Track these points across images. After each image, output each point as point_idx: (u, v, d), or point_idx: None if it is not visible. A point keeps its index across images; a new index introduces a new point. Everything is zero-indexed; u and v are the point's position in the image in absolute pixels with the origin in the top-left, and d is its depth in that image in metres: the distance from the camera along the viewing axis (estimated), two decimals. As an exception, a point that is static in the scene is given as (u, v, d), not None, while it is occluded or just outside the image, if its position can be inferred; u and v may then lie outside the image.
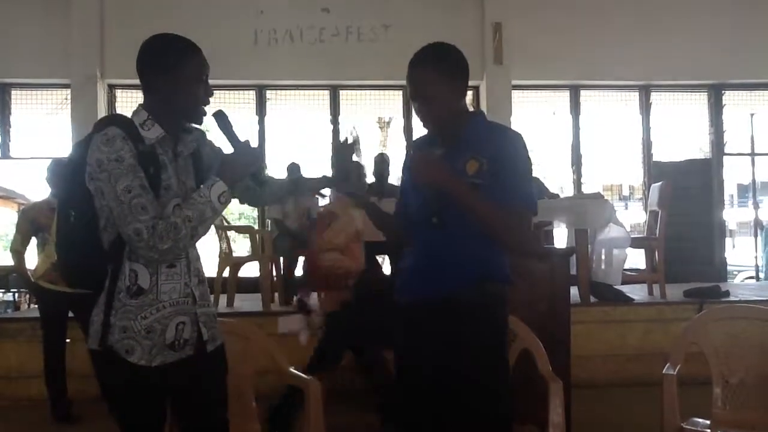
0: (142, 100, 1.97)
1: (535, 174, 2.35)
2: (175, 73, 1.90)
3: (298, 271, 6.58)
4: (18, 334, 5.29)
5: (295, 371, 2.87)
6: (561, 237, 6.22)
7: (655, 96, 8.66)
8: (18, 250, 4.78)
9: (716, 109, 8.68)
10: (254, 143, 2.01)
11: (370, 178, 6.77)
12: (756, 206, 10.38)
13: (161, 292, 1.91)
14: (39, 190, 5.12)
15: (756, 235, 10.04)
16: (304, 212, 6.61)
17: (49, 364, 4.64)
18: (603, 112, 8.76)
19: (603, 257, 5.79)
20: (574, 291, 5.02)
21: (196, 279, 2.01)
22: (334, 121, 8.36)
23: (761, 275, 10.06)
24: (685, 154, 8.91)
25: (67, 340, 4.73)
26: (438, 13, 7.79)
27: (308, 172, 5.96)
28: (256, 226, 8.23)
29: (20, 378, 5.18)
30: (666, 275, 5.98)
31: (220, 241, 6.18)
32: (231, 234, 6.58)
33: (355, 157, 2.57)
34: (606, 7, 8.15)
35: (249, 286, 6.37)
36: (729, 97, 8.71)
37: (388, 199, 5.74)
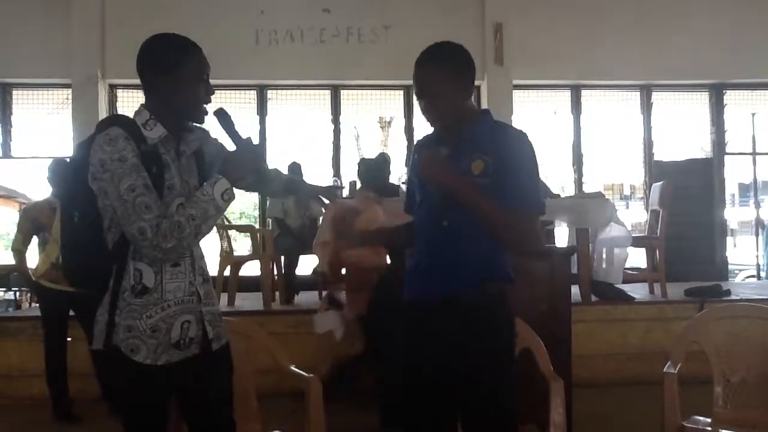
0: (144, 100, 1.98)
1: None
2: (175, 72, 1.90)
3: (299, 270, 6.60)
4: (19, 333, 5.29)
5: (296, 370, 2.87)
6: (562, 236, 6.23)
7: (656, 95, 8.66)
8: (19, 249, 4.78)
9: (717, 108, 8.68)
10: (256, 140, 2.01)
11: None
12: (757, 205, 10.37)
13: (166, 291, 1.92)
14: (40, 189, 5.13)
15: (757, 234, 10.03)
16: (305, 211, 6.62)
17: (50, 363, 4.64)
18: (604, 112, 8.76)
19: (604, 256, 5.79)
20: (575, 290, 5.01)
21: (200, 278, 2.01)
22: (335, 121, 8.36)
23: (762, 274, 10.04)
24: (686, 153, 8.91)
25: (68, 339, 4.73)
26: (438, 14, 7.78)
27: (309, 171, 5.97)
28: (256, 225, 8.24)
29: (21, 377, 5.19)
30: (667, 274, 5.98)
31: (221, 240, 6.18)
32: (232, 233, 6.58)
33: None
34: (607, 7, 8.15)
35: (250, 285, 6.38)
36: (730, 97, 8.71)
37: (389, 199, 5.76)
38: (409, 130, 8.38)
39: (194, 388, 2.02)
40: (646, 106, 8.65)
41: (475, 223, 2.04)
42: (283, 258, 6.43)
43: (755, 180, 9.95)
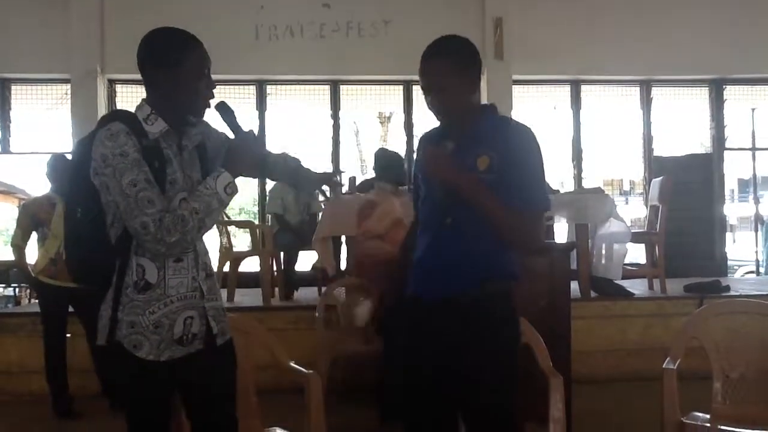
0: (145, 94, 1.97)
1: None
2: (176, 67, 1.90)
3: (299, 266, 6.60)
4: (18, 329, 5.29)
5: (295, 366, 2.87)
6: (561, 232, 6.22)
7: (655, 91, 8.65)
8: (18, 245, 4.78)
9: (717, 103, 8.67)
10: (257, 132, 2.01)
11: (370, 174, 6.77)
12: (756, 201, 10.37)
13: (169, 286, 1.92)
14: (39, 185, 5.12)
15: (756, 230, 10.04)
16: (305, 207, 6.62)
17: (49, 360, 4.64)
18: (604, 107, 8.75)
19: (603, 252, 5.79)
20: (574, 286, 5.02)
21: (203, 273, 2.01)
22: (335, 116, 8.35)
23: (761, 270, 10.06)
24: (685, 148, 8.89)
25: (68, 336, 4.73)
26: (438, 8, 7.77)
27: (308, 166, 5.93)
28: (256, 221, 8.24)
29: (21, 373, 5.19)
30: (666, 270, 5.98)
31: (220, 236, 6.18)
32: (231, 229, 6.58)
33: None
34: (606, 2, 8.13)
35: (249, 281, 6.38)
36: (730, 92, 8.70)
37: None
38: (408, 126, 8.37)
39: (197, 384, 2.02)
40: (646, 102, 8.64)
41: (479, 220, 2.03)
42: (282, 254, 6.43)
43: (755, 175, 9.94)
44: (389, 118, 11.20)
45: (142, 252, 1.88)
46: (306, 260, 6.79)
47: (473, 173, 2.04)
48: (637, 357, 5.25)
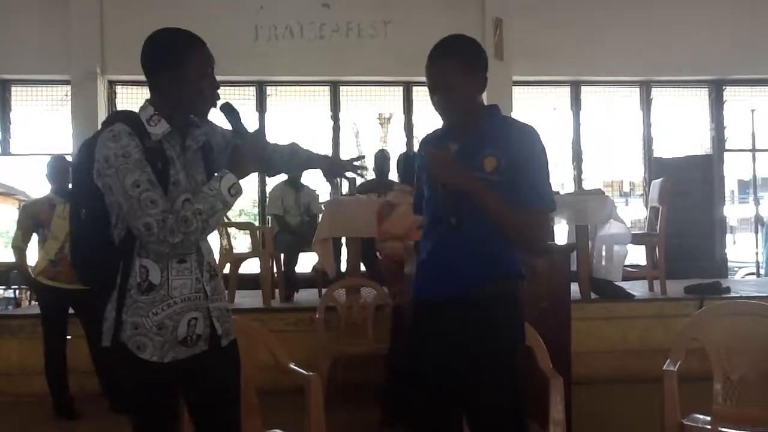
0: (149, 95, 1.97)
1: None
2: (179, 68, 1.90)
3: (299, 268, 6.60)
4: (19, 331, 5.30)
5: (296, 367, 2.87)
6: (561, 233, 6.22)
7: (655, 92, 8.64)
8: (19, 246, 4.78)
9: (717, 104, 8.67)
10: (262, 133, 2.01)
11: (370, 174, 6.77)
12: (756, 202, 10.36)
13: (172, 288, 1.91)
14: (39, 186, 5.12)
15: (756, 232, 10.03)
16: (305, 208, 6.62)
17: (49, 361, 4.65)
18: (603, 108, 8.74)
19: (603, 253, 5.79)
20: (574, 287, 5.02)
21: (208, 274, 2.00)
22: (335, 117, 8.35)
23: (762, 271, 10.05)
24: (685, 150, 8.89)
25: (68, 337, 4.73)
26: (438, 9, 7.77)
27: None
28: (256, 223, 8.24)
29: (21, 374, 5.19)
30: (666, 271, 5.98)
31: (220, 237, 6.18)
32: (231, 230, 6.58)
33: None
34: (606, 3, 8.13)
35: (249, 282, 6.38)
36: (730, 93, 8.70)
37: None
38: (408, 127, 8.37)
39: (201, 385, 2.02)
40: (646, 103, 8.63)
41: (484, 220, 2.03)
42: (282, 255, 6.43)
43: (755, 177, 9.94)
44: (389, 119, 11.18)
45: (145, 253, 1.88)
46: (306, 262, 6.79)
47: (479, 174, 2.03)
48: (637, 358, 5.25)
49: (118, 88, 8.06)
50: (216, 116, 2.06)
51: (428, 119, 8.24)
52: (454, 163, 2.05)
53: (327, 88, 8.35)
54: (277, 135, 8.22)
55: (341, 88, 8.35)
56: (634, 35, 8.02)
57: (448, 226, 2.08)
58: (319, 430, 2.68)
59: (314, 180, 7.04)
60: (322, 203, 6.16)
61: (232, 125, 2.01)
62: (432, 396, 2.13)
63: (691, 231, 8.04)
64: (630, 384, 4.94)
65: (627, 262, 5.99)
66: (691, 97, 8.79)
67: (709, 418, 2.78)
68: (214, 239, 6.18)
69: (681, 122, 8.92)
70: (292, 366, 2.88)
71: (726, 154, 8.80)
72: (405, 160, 5.33)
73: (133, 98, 7.85)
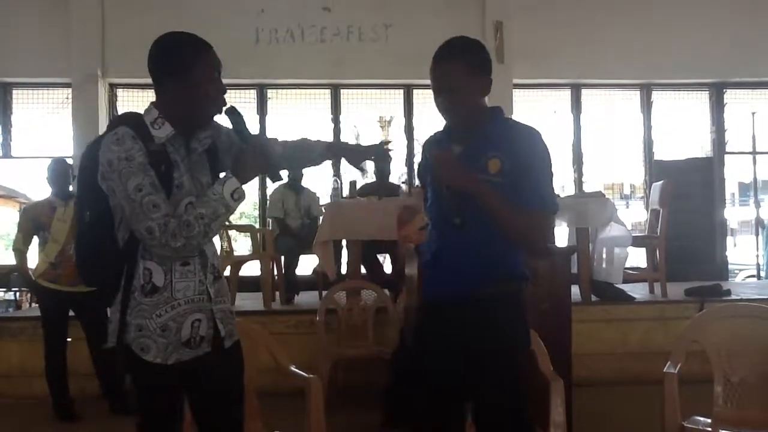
0: (151, 97, 1.98)
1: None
2: (186, 72, 1.90)
3: (300, 270, 6.59)
4: (19, 333, 5.30)
5: (296, 370, 2.87)
6: (562, 236, 6.22)
7: (656, 94, 8.64)
8: (20, 249, 4.78)
9: (717, 107, 8.66)
10: (265, 137, 2.01)
11: (371, 177, 6.78)
12: (757, 205, 10.35)
13: (176, 289, 1.92)
14: (40, 189, 5.13)
15: (757, 234, 10.01)
16: (305, 211, 6.63)
17: (50, 363, 4.65)
18: (604, 111, 8.74)
19: (604, 256, 5.79)
20: (575, 290, 5.02)
21: (211, 276, 2.01)
22: (335, 120, 8.35)
23: (762, 274, 10.04)
24: (686, 152, 8.89)
25: (68, 339, 4.74)
26: (439, 12, 7.77)
27: (309, 171, 5.92)
28: (257, 225, 8.24)
29: (22, 376, 5.19)
30: (667, 274, 5.98)
31: (221, 240, 6.18)
32: (232, 233, 6.58)
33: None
34: (607, 6, 8.13)
35: (250, 284, 6.38)
36: (730, 96, 8.70)
37: (389, 198, 5.76)
38: (409, 130, 8.37)
39: (205, 386, 2.02)
40: (646, 105, 8.63)
41: (487, 221, 2.03)
42: (283, 258, 6.43)
43: (755, 179, 9.94)
44: (390, 122, 11.20)
45: (149, 256, 1.89)
46: (307, 264, 6.79)
47: (483, 176, 2.04)
48: (637, 361, 5.24)
49: (119, 91, 8.06)
50: (220, 117, 2.07)
51: (429, 122, 8.25)
52: (458, 164, 2.05)
53: (328, 91, 8.35)
54: (273, 136, 8.26)
55: (342, 91, 8.35)
56: (635, 38, 8.03)
57: (452, 227, 2.08)
58: (319, 433, 2.68)
59: (315, 182, 7.05)
60: (322, 206, 6.16)
61: (236, 129, 2.02)
62: (434, 397, 2.13)
63: (691, 233, 8.04)
64: (630, 386, 4.94)
65: (627, 265, 5.98)
66: (691, 99, 8.79)
67: (709, 421, 2.78)
68: (214, 241, 6.19)
69: (681, 125, 8.92)
70: (292, 368, 2.88)
71: (726, 157, 8.79)
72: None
73: (133, 101, 7.86)
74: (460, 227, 2.07)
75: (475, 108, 2.11)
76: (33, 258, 4.83)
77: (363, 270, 5.85)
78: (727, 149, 8.77)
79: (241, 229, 7.47)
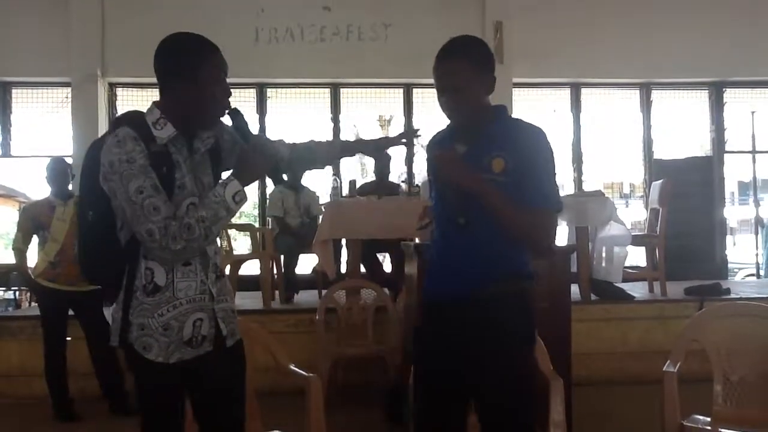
0: (151, 97, 1.97)
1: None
2: (192, 74, 1.90)
3: (299, 269, 6.59)
4: (19, 333, 5.30)
5: (296, 368, 2.87)
6: (562, 235, 6.22)
7: (655, 93, 8.64)
8: (19, 248, 4.78)
9: (717, 106, 8.66)
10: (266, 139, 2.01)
11: (370, 176, 6.78)
12: (757, 204, 10.36)
13: (177, 289, 1.92)
14: (40, 188, 5.12)
15: (756, 233, 10.03)
16: (305, 210, 6.62)
17: (49, 363, 4.65)
18: (604, 110, 8.74)
19: (604, 255, 5.79)
20: (574, 288, 5.02)
21: (213, 275, 2.02)
22: (335, 120, 8.36)
23: (762, 273, 10.05)
24: (685, 151, 8.89)
25: (68, 339, 4.73)
26: (439, 12, 7.77)
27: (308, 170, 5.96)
28: (256, 224, 8.24)
29: (21, 376, 5.19)
30: (666, 273, 5.98)
31: (220, 239, 6.17)
32: (231, 232, 6.58)
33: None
34: (606, 5, 8.13)
35: (249, 283, 6.37)
36: (730, 95, 8.70)
37: (388, 197, 5.77)
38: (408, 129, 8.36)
39: (206, 386, 2.03)
40: (646, 104, 8.63)
41: (491, 220, 2.02)
42: (282, 257, 6.42)
43: (755, 178, 9.95)
44: (389, 121, 11.20)
45: (151, 255, 1.89)
46: (306, 263, 6.78)
47: (487, 175, 2.03)
48: (637, 360, 5.25)
49: (119, 91, 8.06)
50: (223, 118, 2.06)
51: (429, 121, 8.26)
52: (461, 163, 2.05)
53: (327, 90, 8.35)
54: (277, 137, 8.26)
55: (341, 90, 8.35)
56: (634, 37, 8.03)
57: (456, 226, 2.08)
58: (319, 431, 2.68)
59: (314, 181, 7.05)
60: (322, 205, 6.16)
61: (237, 131, 2.01)
62: (437, 396, 2.13)
63: (691, 232, 8.04)
64: (630, 385, 4.94)
65: (627, 264, 5.99)
66: (691, 98, 8.79)
67: (709, 420, 2.78)
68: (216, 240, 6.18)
69: (681, 124, 8.91)
70: (292, 367, 2.88)
71: (726, 156, 8.79)
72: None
73: (133, 100, 7.86)
74: (464, 227, 2.07)
75: (478, 107, 2.10)
76: (32, 257, 4.83)
77: (362, 269, 5.85)
78: (727, 148, 8.78)
79: (240, 228, 7.47)
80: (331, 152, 2.40)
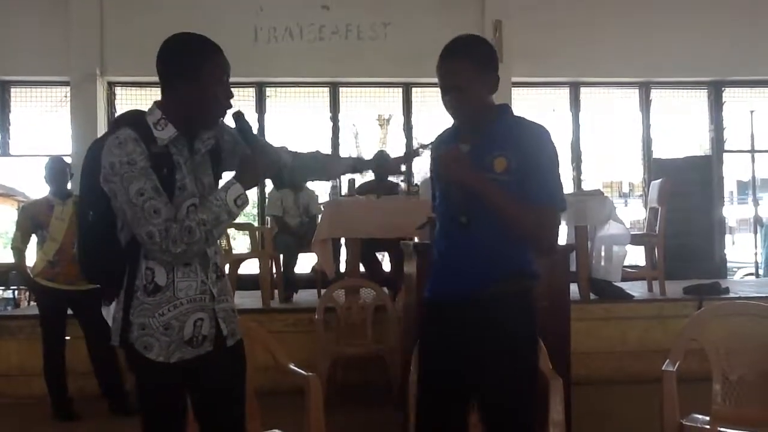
0: (151, 96, 1.97)
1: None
2: (194, 75, 1.90)
3: (298, 268, 6.60)
4: (18, 332, 5.29)
5: (295, 368, 2.87)
6: (561, 234, 6.22)
7: (655, 93, 8.65)
8: (18, 247, 4.77)
9: (716, 106, 8.67)
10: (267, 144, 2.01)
11: (369, 176, 6.77)
12: (755, 203, 10.38)
13: (178, 289, 1.92)
14: (39, 187, 5.12)
15: (755, 232, 10.03)
16: (304, 209, 6.62)
17: (48, 362, 4.64)
18: (603, 109, 8.75)
19: (603, 254, 5.79)
20: (573, 288, 5.02)
21: (214, 275, 2.01)
22: (334, 119, 8.36)
23: (761, 272, 10.05)
24: (684, 151, 8.89)
25: (67, 338, 4.73)
26: (438, 11, 7.77)
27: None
28: (255, 223, 8.23)
29: (21, 376, 5.18)
30: (666, 272, 5.98)
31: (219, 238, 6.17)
32: (231, 231, 6.58)
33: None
34: (605, 4, 8.13)
35: (248, 283, 6.38)
36: (729, 94, 8.70)
37: (388, 197, 5.77)
38: (407, 128, 8.37)
39: (207, 385, 2.03)
40: (645, 104, 8.64)
41: (494, 219, 2.02)
42: (281, 256, 6.43)
43: (754, 178, 9.95)
44: (388, 120, 11.21)
45: (151, 255, 1.89)
46: (305, 262, 6.78)
47: (490, 175, 2.03)
48: (636, 359, 5.25)
49: (118, 90, 8.06)
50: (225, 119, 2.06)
51: (427, 120, 8.26)
52: (464, 162, 2.05)
53: (326, 90, 8.36)
54: (276, 136, 8.28)
55: (341, 89, 8.35)
56: (634, 36, 8.03)
57: (459, 225, 2.08)
58: (318, 431, 2.68)
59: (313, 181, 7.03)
60: (321, 204, 6.16)
61: (241, 134, 2.01)
62: (438, 396, 2.13)
63: (690, 231, 8.05)
64: (629, 384, 4.95)
65: (626, 263, 5.99)
66: (690, 98, 8.80)
67: (708, 419, 2.78)
68: (213, 240, 6.18)
69: (680, 123, 8.92)
70: (291, 366, 2.88)
71: (725, 155, 8.81)
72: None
73: (132, 99, 7.86)
74: (467, 226, 2.06)
75: (482, 106, 2.10)
76: (31, 256, 4.82)
77: (362, 268, 5.85)
78: (726, 147, 8.78)
79: (239, 227, 7.46)
80: (335, 167, 2.38)
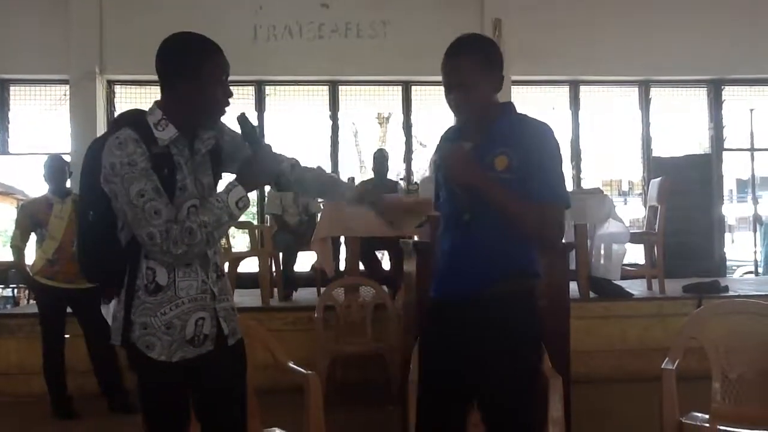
0: (150, 95, 1.97)
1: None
2: (194, 74, 1.89)
3: (298, 267, 6.60)
4: (17, 330, 5.29)
5: (294, 366, 2.87)
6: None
7: (654, 91, 8.64)
8: (18, 245, 4.77)
9: (716, 104, 8.67)
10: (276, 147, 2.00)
11: (368, 174, 6.78)
12: (755, 201, 10.37)
13: (179, 288, 1.92)
14: (38, 185, 5.11)
15: (755, 230, 10.03)
16: (303, 207, 6.62)
17: (48, 361, 4.64)
18: (602, 108, 8.74)
19: (602, 252, 5.80)
20: (573, 286, 5.02)
21: (214, 274, 2.02)
22: (334, 117, 8.35)
23: (760, 270, 10.05)
24: (684, 149, 8.89)
25: (66, 336, 4.73)
26: (437, 10, 7.76)
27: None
28: (254, 222, 8.23)
29: (20, 374, 5.19)
30: (665, 270, 5.98)
31: (219, 237, 6.16)
32: (230, 229, 6.57)
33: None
34: (605, 3, 8.13)
35: (248, 281, 6.38)
36: (728, 93, 8.70)
37: (387, 196, 5.76)
38: (407, 126, 8.36)
39: (208, 384, 2.03)
40: (645, 102, 8.63)
41: (498, 217, 2.02)
42: (281, 254, 6.43)
43: (753, 176, 9.94)
44: (388, 118, 11.21)
45: (152, 255, 1.89)
46: (305, 260, 6.78)
47: (491, 173, 2.03)
48: (636, 357, 5.25)
49: (117, 88, 8.05)
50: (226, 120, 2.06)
51: (427, 118, 8.26)
52: (467, 160, 2.04)
53: (326, 88, 8.34)
54: (275, 135, 8.27)
55: (340, 87, 8.34)
56: (633, 35, 8.02)
57: (462, 223, 2.08)
58: (317, 429, 2.68)
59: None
60: (320, 202, 6.16)
61: (245, 136, 2.00)
62: (439, 395, 2.13)
63: (689, 230, 8.05)
64: (629, 383, 4.95)
65: (626, 261, 6.00)
66: (689, 96, 8.79)
67: (707, 417, 2.78)
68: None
69: (680, 121, 8.92)
70: (291, 365, 2.88)
71: (725, 154, 8.80)
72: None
73: (131, 98, 7.85)
74: (470, 223, 2.06)
75: (485, 104, 2.10)
76: (31, 255, 4.82)
77: (361, 266, 5.85)
78: (725, 146, 8.78)
79: (239, 225, 7.47)
80: (336, 196, 2.30)
